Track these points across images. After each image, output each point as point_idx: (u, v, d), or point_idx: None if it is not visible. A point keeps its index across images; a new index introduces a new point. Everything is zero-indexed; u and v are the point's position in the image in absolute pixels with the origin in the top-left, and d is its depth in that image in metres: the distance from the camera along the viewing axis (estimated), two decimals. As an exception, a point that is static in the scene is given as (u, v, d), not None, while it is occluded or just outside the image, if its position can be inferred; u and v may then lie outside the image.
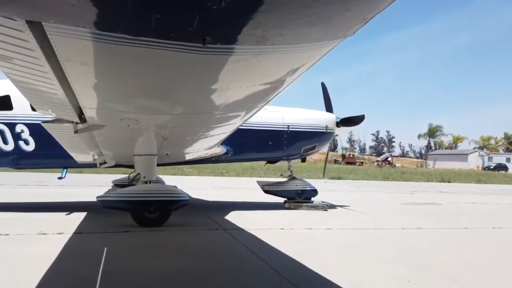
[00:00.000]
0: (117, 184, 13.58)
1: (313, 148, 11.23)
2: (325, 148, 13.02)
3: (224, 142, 8.41)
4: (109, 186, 14.14)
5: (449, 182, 29.41)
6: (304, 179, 12.19)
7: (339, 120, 11.42)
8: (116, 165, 9.28)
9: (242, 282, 4.35)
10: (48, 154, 8.40)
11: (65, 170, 9.12)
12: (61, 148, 7.45)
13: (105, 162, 8.60)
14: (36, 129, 8.14)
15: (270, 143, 10.31)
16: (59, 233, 6.31)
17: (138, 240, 6.28)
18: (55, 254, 5.08)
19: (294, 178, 11.24)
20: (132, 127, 4.93)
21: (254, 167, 29.39)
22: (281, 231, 7.32)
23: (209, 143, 7.12)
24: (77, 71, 2.99)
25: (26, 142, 8.39)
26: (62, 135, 5.71)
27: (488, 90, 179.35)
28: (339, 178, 25.65)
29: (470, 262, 5.62)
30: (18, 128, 8.37)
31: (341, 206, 11.36)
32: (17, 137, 8.35)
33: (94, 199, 7.20)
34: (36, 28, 2.35)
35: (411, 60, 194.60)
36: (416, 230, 8.00)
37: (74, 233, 6.46)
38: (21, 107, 8.34)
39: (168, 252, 5.61)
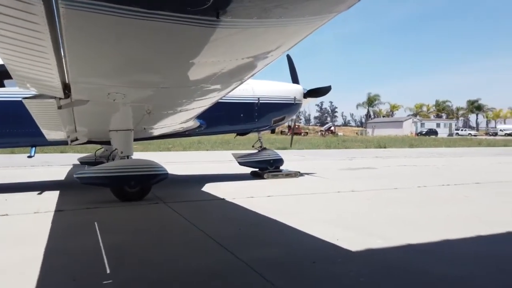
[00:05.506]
0: (83, 162, 13.31)
1: (283, 119, 11.52)
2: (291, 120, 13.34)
3: (198, 116, 8.46)
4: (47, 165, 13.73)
5: (385, 147, 30.71)
6: (272, 149, 12.57)
7: (306, 91, 11.74)
8: (88, 142, 9.10)
9: (177, 252, 4.36)
10: (15, 132, 8.08)
11: (34, 148, 8.83)
12: (30, 126, 7.20)
13: (76, 139, 8.42)
14: (2, 107, 7.79)
15: (242, 115, 10.46)
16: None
17: (72, 219, 6.05)
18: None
19: (265, 148, 11.55)
20: (117, 102, 4.91)
21: (201, 141, 29.08)
22: (222, 201, 7.41)
23: (188, 117, 7.17)
24: (78, 45, 2.96)
25: (-9, 121, 8.00)
26: (41, 111, 5.54)
27: (423, 61, 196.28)
28: (285, 148, 25.85)
29: (396, 219, 5.95)
30: (-19, 106, 7.94)
31: (308, 174, 11.85)
32: (-20, 115, 7.94)
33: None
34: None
35: (351, 33, 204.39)
36: (350, 193, 8.43)
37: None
38: None
39: (102, 229, 5.36)
